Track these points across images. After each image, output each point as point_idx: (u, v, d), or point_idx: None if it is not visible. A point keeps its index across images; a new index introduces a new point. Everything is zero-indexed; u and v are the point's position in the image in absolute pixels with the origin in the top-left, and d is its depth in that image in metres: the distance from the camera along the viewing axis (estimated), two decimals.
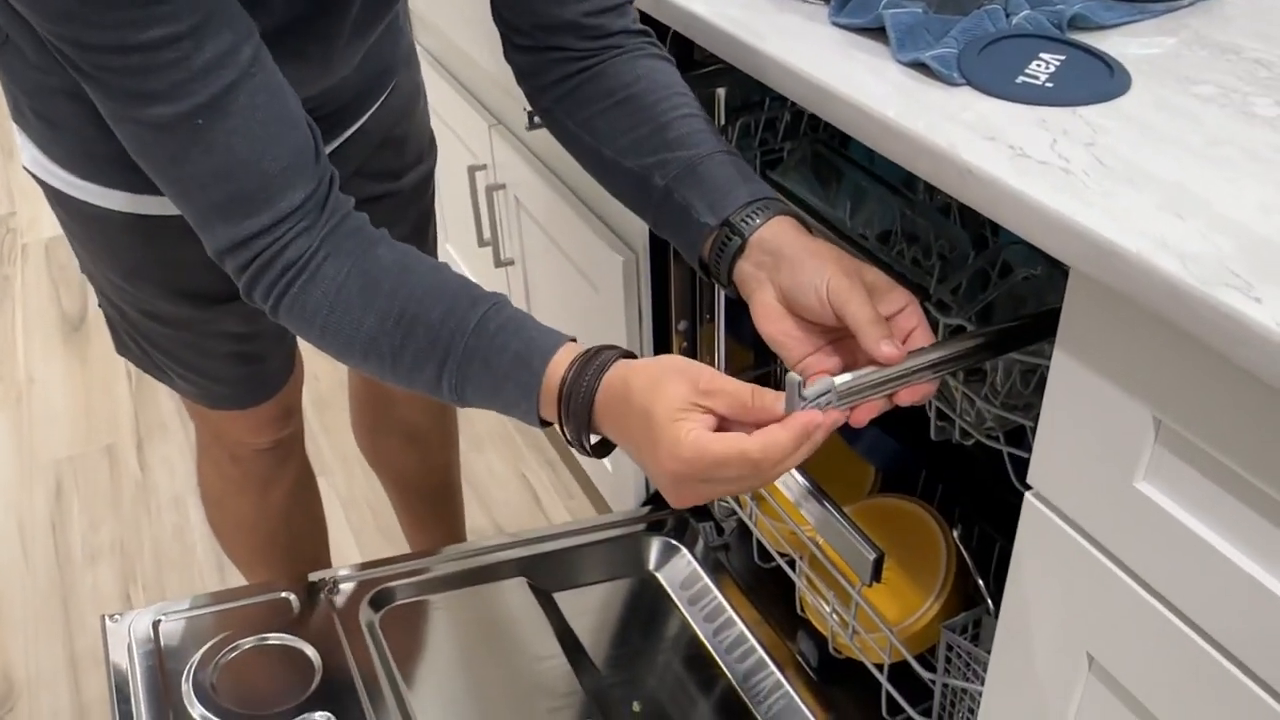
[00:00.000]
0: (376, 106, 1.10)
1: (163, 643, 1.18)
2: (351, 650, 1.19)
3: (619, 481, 1.57)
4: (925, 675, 1.07)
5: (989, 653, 0.92)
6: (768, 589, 1.37)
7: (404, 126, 1.17)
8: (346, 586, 1.28)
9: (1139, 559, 0.67)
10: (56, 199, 1.00)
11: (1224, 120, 0.69)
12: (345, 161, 1.07)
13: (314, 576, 1.28)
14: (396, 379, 0.77)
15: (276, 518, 1.35)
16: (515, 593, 1.33)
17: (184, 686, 1.13)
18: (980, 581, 1.08)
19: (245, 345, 1.13)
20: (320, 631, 1.21)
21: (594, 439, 0.74)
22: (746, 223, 0.81)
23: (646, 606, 1.36)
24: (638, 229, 1.30)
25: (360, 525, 1.80)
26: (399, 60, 1.12)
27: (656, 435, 0.67)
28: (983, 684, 0.93)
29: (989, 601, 1.07)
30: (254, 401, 1.20)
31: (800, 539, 1.23)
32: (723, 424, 0.68)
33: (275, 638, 1.19)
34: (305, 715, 1.11)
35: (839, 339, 0.77)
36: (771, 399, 0.68)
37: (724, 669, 1.28)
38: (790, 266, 0.77)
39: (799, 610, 1.27)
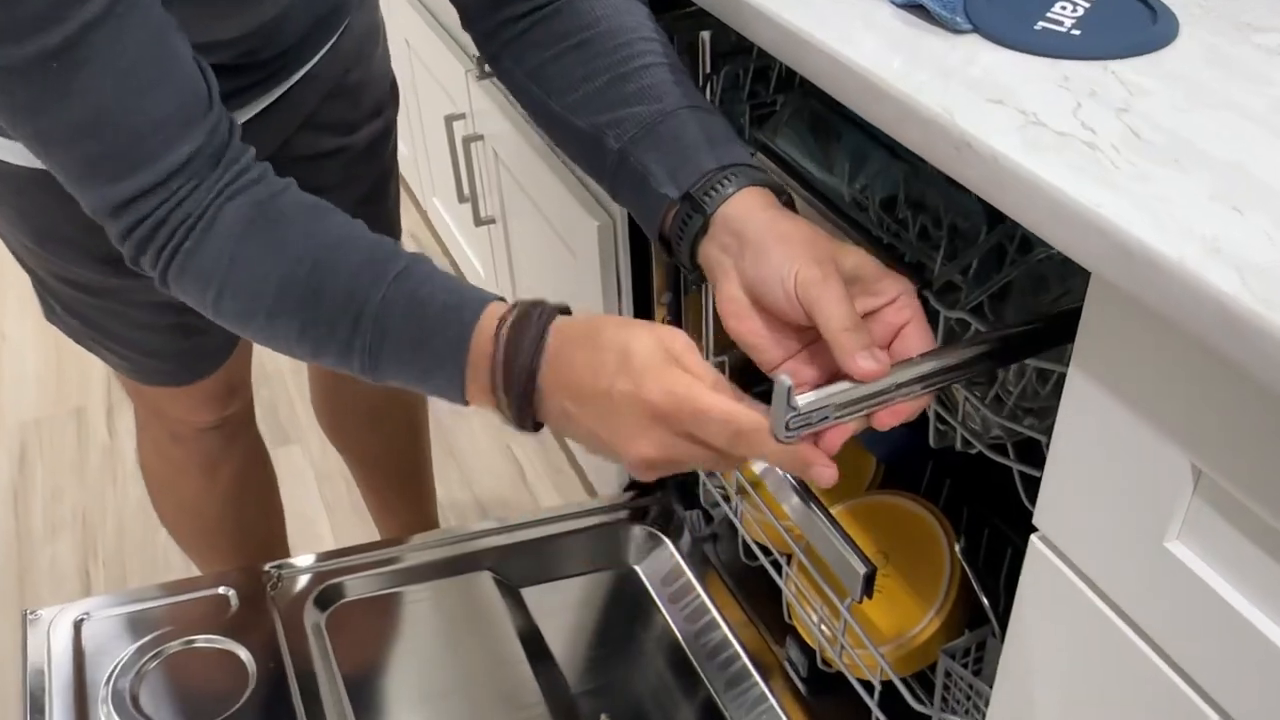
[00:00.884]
0: (325, 50, 0.97)
1: (85, 645, 1.08)
2: (291, 654, 1.08)
3: (601, 465, 1.45)
4: (919, 708, 0.95)
5: (992, 686, 0.80)
6: (756, 587, 1.25)
7: (359, 73, 1.04)
8: (292, 581, 1.17)
9: (1162, 628, 0.54)
10: None
11: None
12: (292, 112, 0.96)
13: (259, 568, 1.17)
14: (304, 344, 0.67)
15: (224, 502, 1.25)
16: (479, 588, 1.22)
17: (103, 693, 1.03)
18: (986, 601, 0.96)
19: (181, 316, 1.01)
20: (258, 632, 1.10)
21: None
22: (710, 195, 0.68)
23: (623, 604, 1.25)
24: None
25: (334, 501, 1.70)
26: None
27: (639, 370, 0.58)
28: None
29: (995, 624, 0.95)
30: (192, 378, 1.09)
31: (787, 540, 1.11)
32: None
33: (205, 640, 1.08)
34: None
35: (819, 340, 0.62)
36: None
37: (704, 678, 1.17)
38: (755, 253, 0.64)
39: (786, 617, 1.15)
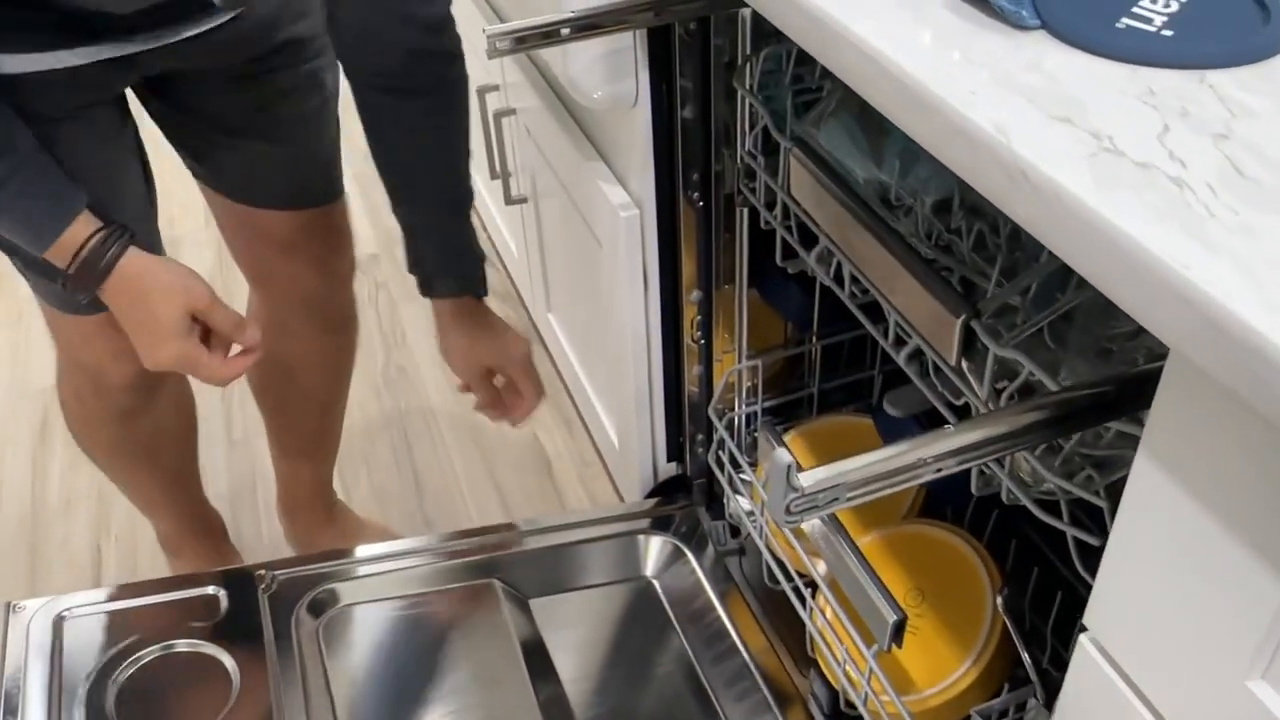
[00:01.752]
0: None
1: (66, 643, 1.02)
2: (279, 664, 1.02)
3: (624, 467, 1.37)
4: None
5: None
6: (781, 610, 1.15)
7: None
8: (287, 583, 1.11)
9: None
10: None
11: None
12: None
13: (254, 570, 1.11)
14: None
15: (140, 445, 1.23)
16: (484, 599, 1.15)
17: (80, 695, 0.98)
18: (1028, 660, 0.86)
19: None
20: (246, 639, 1.04)
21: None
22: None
23: (637, 621, 1.17)
24: (645, 178, 1.07)
25: (351, 484, 1.64)
26: None
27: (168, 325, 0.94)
28: None
29: (1039, 687, 0.85)
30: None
31: (811, 569, 1.02)
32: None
33: (188, 645, 1.02)
34: None
35: None
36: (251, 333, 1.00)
37: (719, 709, 1.08)
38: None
39: (809, 650, 1.06)
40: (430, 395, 1.80)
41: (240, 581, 1.09)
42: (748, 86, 0.94)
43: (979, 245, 0.85)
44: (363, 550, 1.17)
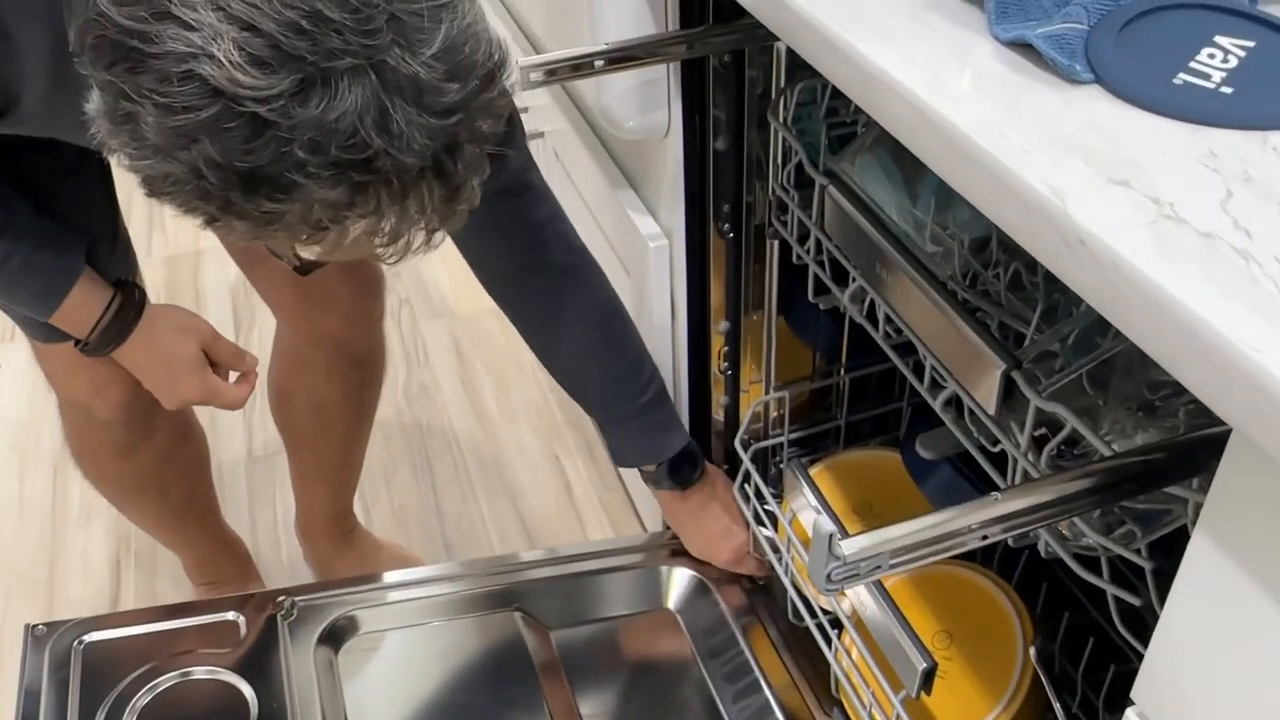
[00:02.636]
0: None
1: (84, 668, 1.02)
2: (296, 694, 1.01)
3: (649, 498, 1.35)
4: None
5: None
6: (806, 647, 1.14)
7: None
8: (307, 610, 1.10)
9: None
10: None
11: None
12: None
13: (273, 595, 1.10)
14: None
15: (143, 476, 1.22)
16: (505, 628, 1.13)
17: None
18: (1059, 706, 0.84)
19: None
20: (264, 666, 1.03)
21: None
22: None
23: (658, 656, 1.15)
24: (675, 208, 1.06)
25: (372, 502, 1.63)
26: None
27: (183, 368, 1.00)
28: None
29: None
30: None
31: (836, 609, 1.00)
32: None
33: (206, 672, 1.01)
34: None
35: None
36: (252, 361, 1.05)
37: None
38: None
39: (833, 690, 1.05)
40: (452, 414, 1.79)
41: (260, 607, 1.08)
42: (782, 120, 0.93)
43: (1015, 284, 0.84)
44: (383, 577, 1.16)
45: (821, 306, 0.99)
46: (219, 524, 1.42)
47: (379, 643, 1.09)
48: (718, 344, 1.13)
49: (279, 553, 1.57)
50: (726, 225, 1.04)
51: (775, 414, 1.19)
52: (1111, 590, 0.64)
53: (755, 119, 0.97)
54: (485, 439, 1.74)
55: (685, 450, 1.14)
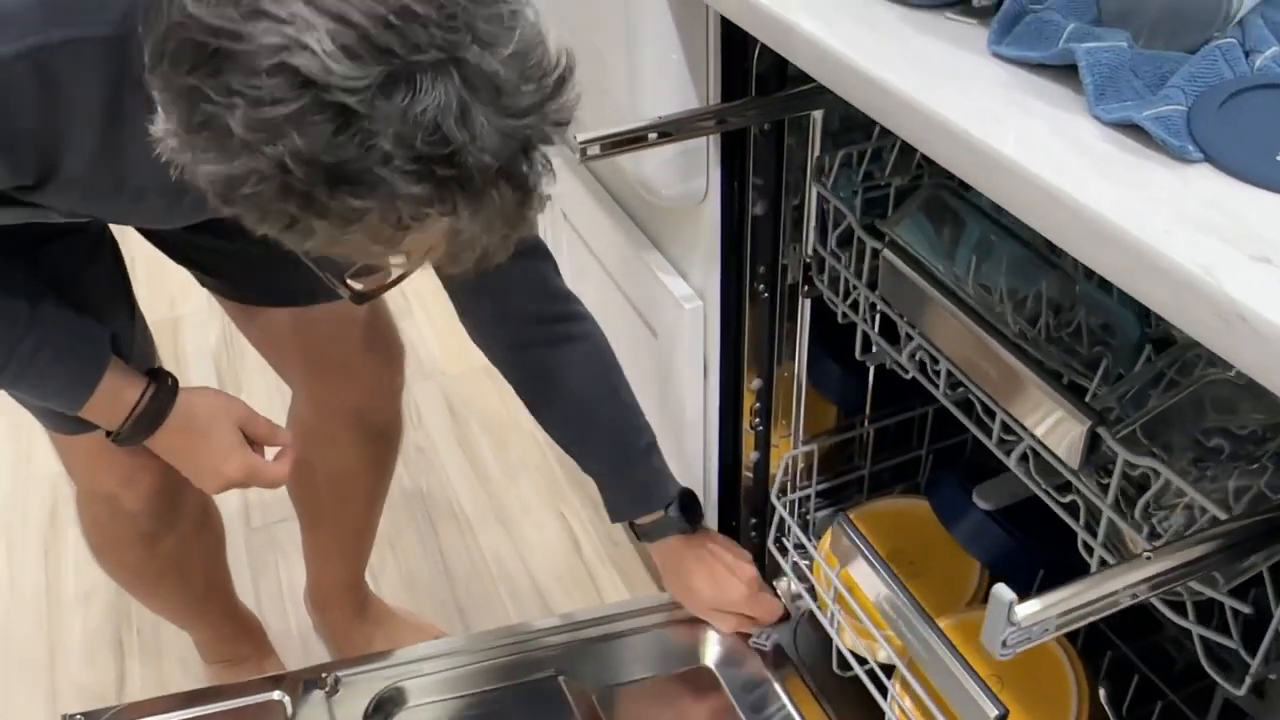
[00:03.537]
0: None
1: None
2: None
3: None
4: None
5: None
6: (846, 695, 1.15)
7: None
8: (349, 684, 1.09)
9: None
10: None
11: None
12: None
13: (316, 672, 1.09)
14: None
15: (165, 566, 1.20)
16: (548, 694, 1.13)
17: None
18: None
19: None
20: None
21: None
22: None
23: (703, 714, 1.16)
24: (709, 270, 1.09)
25: (378, 570, 1.62)
26: None
27: (221, 450, 0.97)
28: None
29: None
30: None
31: (890, 655, 1.02)
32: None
33: None
34: None
35: None
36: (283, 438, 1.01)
37: None
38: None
39: None
40: (451, 475, 1.78)
41: (303, 685, 1.07)
42: (827, 186, 0.96)
43: (1063, 348, 0.87)
44: (421, 648, 1.15)
45: (869, 364, 1.02)
46: (234, 602, 1.40)
47: (427, 714, 1.08)
48: (750, 401, 1.16)
49: (287, 625, 1.55)
50: (761, 285, 1.07)
51: (802, 466, 1.21)
52: (1198, 631, 0.67)
53: (793, 184, 1.00)
54: (488, 499, 1.74)
55: (687, 490, 1.16)
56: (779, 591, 1.29)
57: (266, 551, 1.67)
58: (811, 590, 1.18)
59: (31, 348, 0.86)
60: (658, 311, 1.18)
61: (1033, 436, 0.76)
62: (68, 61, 0.67)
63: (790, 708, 1.15)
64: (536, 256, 1.03)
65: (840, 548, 1.04)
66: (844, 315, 0.99)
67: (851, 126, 1.04)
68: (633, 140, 0.89)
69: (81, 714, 1.03)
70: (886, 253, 0.86)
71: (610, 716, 1.13)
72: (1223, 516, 0.58)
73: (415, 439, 1.86)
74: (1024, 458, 0.78)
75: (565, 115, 0.61)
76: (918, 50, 0.67)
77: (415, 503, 1.73)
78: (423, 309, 2.16)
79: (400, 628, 1.48)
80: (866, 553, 0.98)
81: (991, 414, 0.81)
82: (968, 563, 1.15)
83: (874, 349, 0.97)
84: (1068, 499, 0.78)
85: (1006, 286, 0.89)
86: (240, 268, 1.10)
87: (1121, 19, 0.63)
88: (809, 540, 1.14)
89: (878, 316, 0.95)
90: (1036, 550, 1.12)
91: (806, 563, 1.19)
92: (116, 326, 0.98)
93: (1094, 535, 0.76)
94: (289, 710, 1.04)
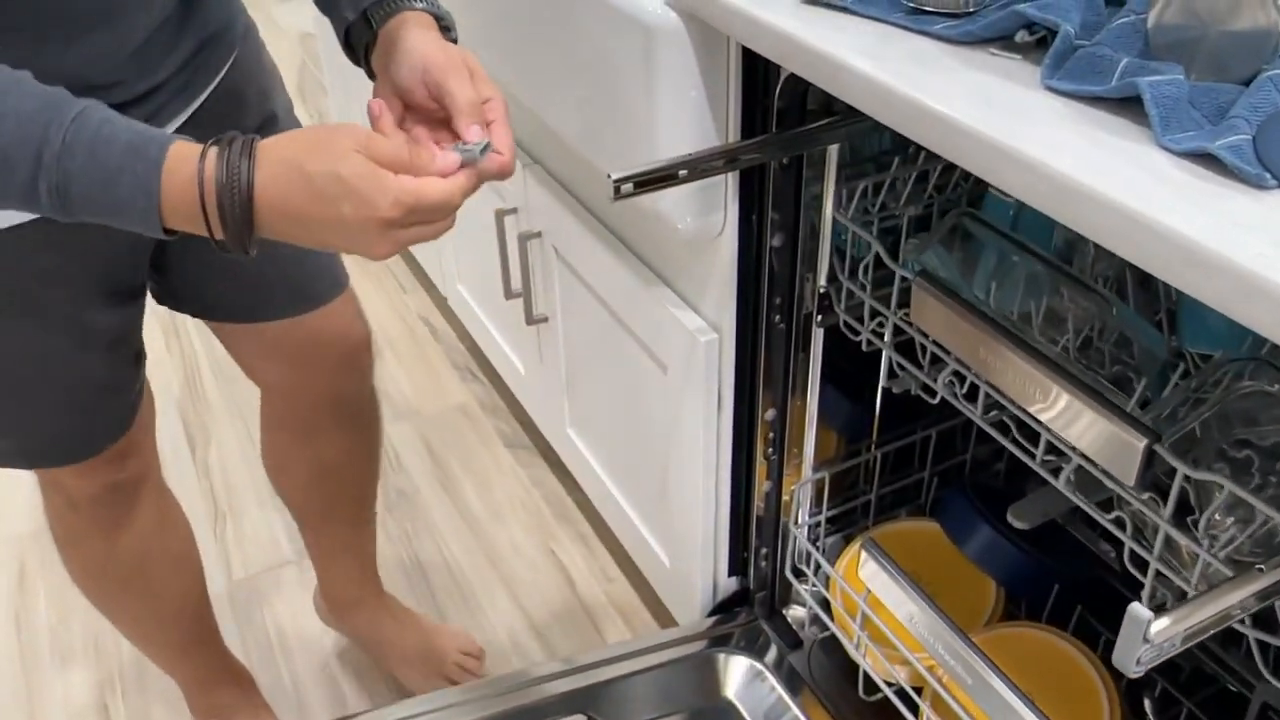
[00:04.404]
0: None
1: None
2: None
3: (677, 585, 1.36)
4: None
5: None
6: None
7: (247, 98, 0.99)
8: None
9: None
10: None
11: None
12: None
13: None
14: None
15: (127, 565, 1.17)
16: None
17: None
18: None
19: (106, 368, 0.99)
20: None
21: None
22: (378, 15, 0.82)
23: None
24: (724, 303, 1.10)
25: None
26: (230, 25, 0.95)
27: (362, 190, 0.66)
28: None
29: None
30: (83, 455, 1.02)
31: (923, 674, 1.03)
32: None
33: None
34: None
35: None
36: (427, 157, 0.70)
37: None
38: (399, 55, 0.78)
39: None
40: (436, 518, 1.76)
41: None
42: (846, 217, 0.98)
43: (1078, 357, 0.90)
44: (447, 693, 1.13)
45: (894, 390, 1.04)
46: (221, 648, 1.37)
47: None
48: (763, 432, 1.17)
49: (279, 677, 1.51)
50: (778, 317, 1.08)
51: (812, 493, 1.23)
52: (1254, 635, 0.69)
53: (810, 217, 1.02)
54: (476, 541, 1.72)
55: None
56: (790, 619, 1.30)
57: (251, 603, 1.62)
58: (829, 613, 1.19)
59: (96, 115, 0.67)
60: (668, 346, 1.18)
61: (1083, 456, 0.78)
62: None
63: None
64: None
65: (869, 571, 1.05)
66: (868, 343, 1.00)
67: (858, 159, 1.06)
68: (664, 179, 0.90)
69: None
70: (920, 281, 0.88)
71: None
72: None
73: (396, 483, 1.83)
74: (1069, 477, 0.80)
75: None
76: (972, 84, 0.69)
77: (402, 548, 1.71)
78: (391, 350, 2.13)
79: (423, 625, 1.49)
80: (897, 575, 0.99)
81: (1033, 435, 0.84)
82: (982, 581, 1.18)
83: (899, 375, 0.99)
84: (1113, 515, 0.80)
85: (1034, 307, 0.92)
86: (234, 285, 1.07)
87: (1171, 52, 0.66)
88: (829, 565, 1.15)
89: (890, 343, 0.97)
90: (1050, 566, 1.15)
91: (825, 588, 1.20)
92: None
93: (1145, 548, 0.78)
94: None
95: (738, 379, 1.14)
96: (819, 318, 1.08)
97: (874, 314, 0.98)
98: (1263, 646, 0.71)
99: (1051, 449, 0.83)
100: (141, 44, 0.82)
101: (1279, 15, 0.62)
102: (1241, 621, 0.74)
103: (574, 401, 1.55)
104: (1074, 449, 0.79)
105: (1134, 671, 0.50)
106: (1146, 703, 0.94)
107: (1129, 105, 0.64)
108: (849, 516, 1.31)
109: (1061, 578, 1.13)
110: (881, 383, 1.01)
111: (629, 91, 0.99)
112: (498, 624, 1.57)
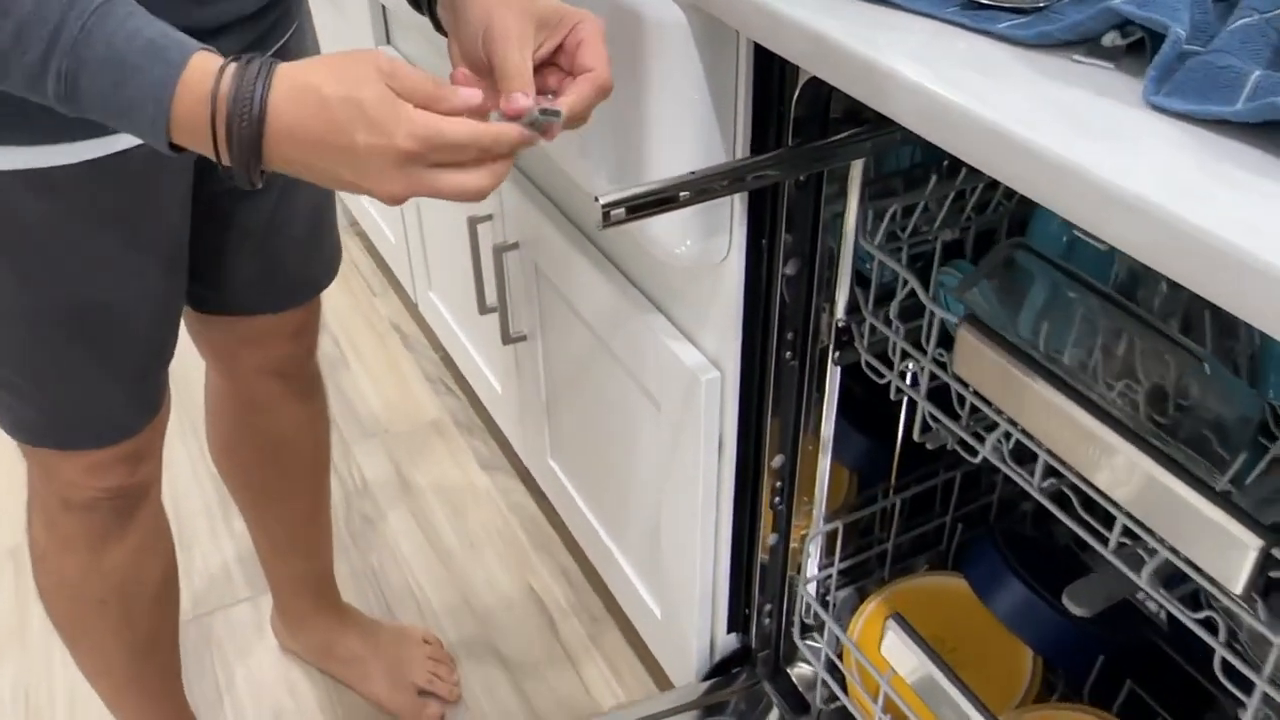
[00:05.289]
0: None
1: None
2: None
3: (670, 640, 1.22)
4: None
5: None
6: None
7: None
8: None
9: None
10: None
11: None
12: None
13: None
14: None
15: (107, 586, 1.05)
16: None
17: None
18: None
19: (157, 330, 0.92)
20: None
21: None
22: None
23: None
24: (728, 340, 0.96)
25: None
26: None
27: (378, 118, 0.60)
28: None
29: None
30: (111, 438, 0.93)
31: None
32: None
33: None
34: None
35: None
36: (449, 91, 0.64)
37: None
38: (460, 15, 0.70)
39: None
40: (404, 549, 1.61)
41: None
42: (876, 245, 0.84)
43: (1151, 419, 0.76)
44: None
45: (929, 446, 0.90)
46: (181, 696, 1.26)
47: None
48: (770, 481, 1.03)
49: None
50: (789, 353, 0.94)
51: (824, 544, 1.09)
52: None
53: (828, 243, 0.88)
54: (448, 575, 1.57)
55: None
56: (796, 679, 1.17)
57: (201, 648, 1.48)
58: (841, 683, 1.06)
59: (123, 8, 0.62)
60: (663, 382, 1.04)
61: (1172, 550, 0.64)
62: None
63: None
64: None
65: (892, 646, 0.92)
66: (896, 390, 0.87)
67: (883, 174, 0.92)
68: (661, 202, 0.76)
69: None
70: (969, 328, 0.74)
71: None
72: None
73: (360, 508, 1.69)
74: (1152, 571, 0.67)
75: None
76: (1054, 101, 0.56)
77: (366, 583, 1.56)
78: (358, 359, 1.98)
79: (383, 634, 1.41)
80: (925, 652, 0.86)
81: (1107, 517, 0.70)
82: (1016, 646, 1.04)
83: (932, 429, 0.86)
84: (1203, 614, 0.67)
85: (1088, 351, 0.78)
86: (248, 269, 1.02)
87: None
88: (841, 631, 1.02)
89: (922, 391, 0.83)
90: (1093, 633, 1.02)
91: (835, 651, 1.07)
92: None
93: (1238, 653, 0.65)
94: None
95: (742, 421, 1.00)
96: (836, 354, 0.94)
97: (904, 355, 0.85)
98: None
99: (1127, 531, 0.69)
100: None
101: None
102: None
103: (556, 429, 1.41)
104: (1160, 540, 0.65)
105: None
106: None
107: (1267, 132, 0.51)
108: (864, 567, 1.17)
109: (1107, 646, 1.00)
110: (916, 436, 0.88)
111: (620, 95, 0.85)
112: (472, 675, 1.43)
